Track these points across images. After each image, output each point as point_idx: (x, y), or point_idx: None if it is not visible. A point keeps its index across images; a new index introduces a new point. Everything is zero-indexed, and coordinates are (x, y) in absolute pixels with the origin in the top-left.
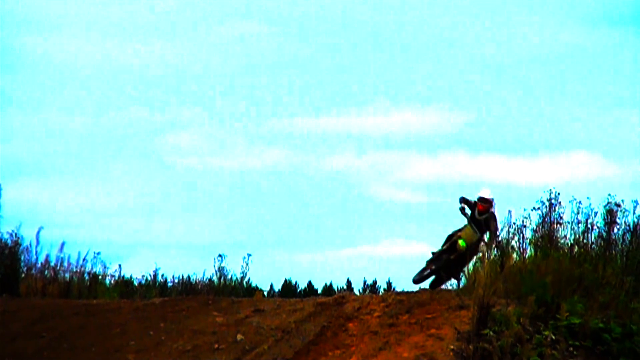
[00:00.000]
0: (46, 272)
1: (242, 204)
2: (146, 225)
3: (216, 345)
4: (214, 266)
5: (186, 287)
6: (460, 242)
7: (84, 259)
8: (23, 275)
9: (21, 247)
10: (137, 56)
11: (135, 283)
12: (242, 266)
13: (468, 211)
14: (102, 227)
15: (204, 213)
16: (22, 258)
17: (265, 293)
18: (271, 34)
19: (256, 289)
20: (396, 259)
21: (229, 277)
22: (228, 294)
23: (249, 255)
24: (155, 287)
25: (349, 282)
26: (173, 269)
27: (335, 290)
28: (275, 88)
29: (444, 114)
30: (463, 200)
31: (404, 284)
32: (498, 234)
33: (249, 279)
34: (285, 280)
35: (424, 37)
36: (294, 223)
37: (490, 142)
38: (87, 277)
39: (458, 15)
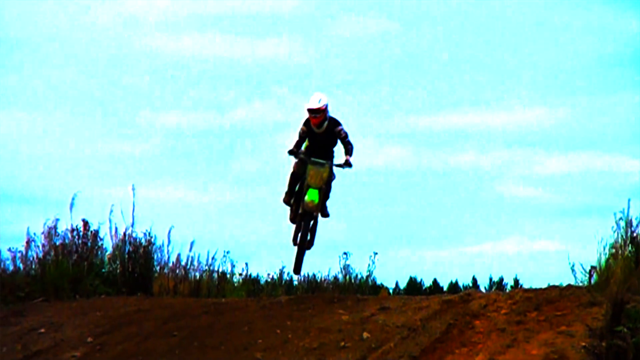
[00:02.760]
0: (177, 271)
1: (367, 202)
2: (272, 224)
3: (342, 343)
4: (339, 264)
5: (311, 285)
6: (309, 198)
7: (212, 258)
8: (156, 274)
9: (154, 247)
10: (261, 52)
11: (262, 281)
12: (368, 264)
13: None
14: (230, 225)
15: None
16: (155, 257)
17: (391, 291)
18: (397, 31)
19: (381, 287)
20: (523, 256)
21: (354, 275)
22: (353, 292)
23: (375, 253)
24: (281, 286)
25: (474, 280)
26: None
27: (461, 288)
28: (400, 85)
29: (573, 111)
30: (292, 150)
31: (532, 281)
32: (349, 138)
33: (374, 277)
34: (410, 278)
35: (553, 33)
36: (418, 221)
37: (622, 141)
38: (215, 276)
39: (583, 11)
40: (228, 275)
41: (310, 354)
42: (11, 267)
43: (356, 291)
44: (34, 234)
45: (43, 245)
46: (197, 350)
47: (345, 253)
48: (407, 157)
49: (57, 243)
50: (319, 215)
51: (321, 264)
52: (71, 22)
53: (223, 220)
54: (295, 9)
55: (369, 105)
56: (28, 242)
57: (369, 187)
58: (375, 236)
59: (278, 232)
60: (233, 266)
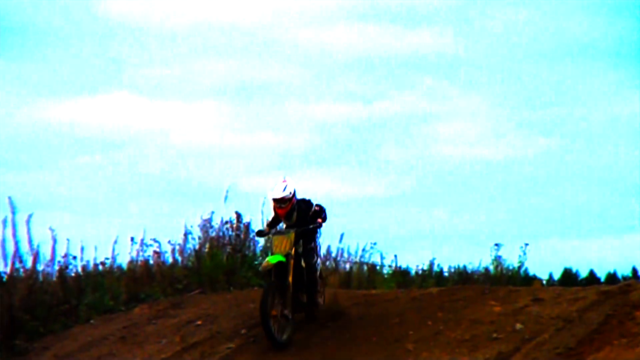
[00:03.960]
0: (327, 262)
1: (517, 193)
2: (420, 214)
3: (495, 335)
4: (490, 255)
5: (462, 276)
6: (268, 258)
7: (362, 250)
8: None
9: None
10: (410, 43)
11: (412, 273)
12: (519, 255)
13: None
14: (378, 217)
15: (478, 202)
16: None
17: (544, 282)
18: (545, 21)
19: (534, 278)
20: None
21: (506, 266)
22: (505, 283)
23: (526, 244)
24: (431, 277)
25: (634, 270)
26: (449, 259)
27: (620, 278)
28: (550, 76)
29: None
30: (260, 232)
31: None
32: (324, 209)
33: (526, 268)
34: (565, 269)
35: None
36: (572, 210)
37: None
38: (365, 268)
39: None
40: (378, 267)
41: (462, 345)
42: (170, 260)
43: (508, 282)
44: (191, 226)
45: (199, 238)
46: (348, 342)
47: (496, 244)
48: (561, 147)
49: (212, 235)
50: (310, 312)
51: (472, 255)
52: (221, 15)
53: (372, 212)
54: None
55: (520, 96)
56: (185, 235)
57: (521, 177)
58: (528, 226)
59: (426, 223)
60: (382, 258)
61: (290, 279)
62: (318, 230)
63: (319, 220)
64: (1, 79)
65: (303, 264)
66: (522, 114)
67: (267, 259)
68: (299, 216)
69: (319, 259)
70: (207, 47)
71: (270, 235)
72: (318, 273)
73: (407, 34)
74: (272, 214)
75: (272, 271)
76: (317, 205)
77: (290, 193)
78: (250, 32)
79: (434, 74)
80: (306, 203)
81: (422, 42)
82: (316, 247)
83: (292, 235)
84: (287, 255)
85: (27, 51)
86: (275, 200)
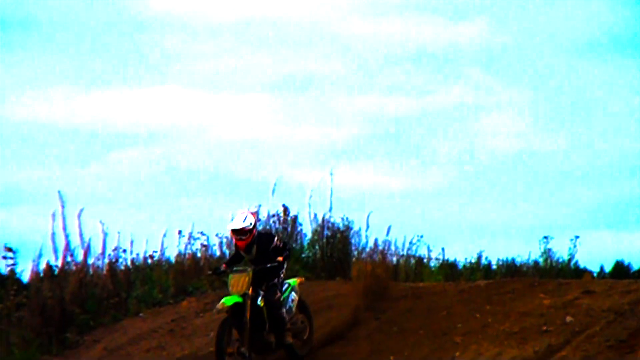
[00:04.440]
0: (374, 255)
1: (567, 185)
2: (467, 207)
3: (544, 328)
4: (540, 248)
5: (510, 269)
6: (225, 300)
7: (410, 242)
8: (354, 259)
9: (351, 232)
10: (456, 36)
11: (459, 266)
12: (570, 248)
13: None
14: (426, 210)
15: (528, 195)
16: (353, 242)
17: (595, 275)
18: (595, 12)
19: (584, 270)
20: None
21: (556, 259)
22: (554, 275)
23: (577, 236)
24: (479, 270)
25: None
26: (497, 252)
27: None
28: (599, 68)
29: None
30: (214, 272)
31: None
32: (288, 246)
33: (576, 261)
34: (617, 262)
35: None
36: (623, 202)
37: None
38: (412, 261)
39: None
40: (425, 260)
41: (510, 338)
42: (217, 253)
43: (557, 275)
44: None
45: None
46: (396, 334)
47: (545, 237)
48: (611, 139)
49: (259, 228)
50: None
51: (521, 248)
52: (269, 8)
53: (419, 205)
54: None
55: (567, 88)
56: None
57: (571, 169)
58: (578, 219)
59: (474, 216)
60: (430, 251)
61: (248, 315)
62: (282, 265)
63: (280, 258)
64: (50, 72)
65: (261, 303)
66: (570, 106)
67: (222, 300)
68: (259, 250)
69: (293, 293)
70: (256, 40)
71: (228, 274)
72: (286, 308)
73: (455, 27)
74: (232, 249)
75: (230, 310)
76: (279, 240)
77: (251, 224)
78: (299, 25)
79: (481, 67)
80: (267, 237)
81: (470, 34)
82: (280, 282)
83: (250, 273)
84: (243, 296)
85: (75, 45)
86: (234, 231)
